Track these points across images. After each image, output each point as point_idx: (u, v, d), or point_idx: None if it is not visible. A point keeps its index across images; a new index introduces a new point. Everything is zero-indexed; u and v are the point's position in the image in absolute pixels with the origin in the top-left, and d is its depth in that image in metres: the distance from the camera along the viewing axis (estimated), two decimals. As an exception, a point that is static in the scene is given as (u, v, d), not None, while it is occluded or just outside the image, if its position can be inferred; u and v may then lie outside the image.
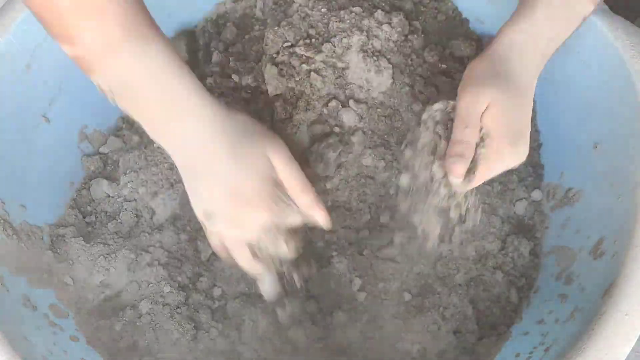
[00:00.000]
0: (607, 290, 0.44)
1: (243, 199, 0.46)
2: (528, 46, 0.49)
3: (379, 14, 0.63)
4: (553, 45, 0.50)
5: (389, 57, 0.63)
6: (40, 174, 0.62)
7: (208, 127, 0.45)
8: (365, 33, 0.63)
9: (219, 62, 0.69)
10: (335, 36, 0.62)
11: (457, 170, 0.48)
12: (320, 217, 0.51)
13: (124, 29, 0.42)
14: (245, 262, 0.50)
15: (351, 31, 0.62)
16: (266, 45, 0.66)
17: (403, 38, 0.65)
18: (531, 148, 0.61)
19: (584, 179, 0.58)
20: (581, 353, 0.41)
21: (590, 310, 0.45)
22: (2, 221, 0.55)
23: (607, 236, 0.50)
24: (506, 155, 0.49)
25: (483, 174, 0.49)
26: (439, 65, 0.65)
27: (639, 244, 0.45)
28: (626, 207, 0.49)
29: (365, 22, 0.63)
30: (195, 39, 0.73)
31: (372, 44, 0.62)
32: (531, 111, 0.49)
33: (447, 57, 0.66)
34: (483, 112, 0.48)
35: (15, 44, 0.57)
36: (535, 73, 0.50)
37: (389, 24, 0.63)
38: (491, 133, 0.48)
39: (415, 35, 0.65)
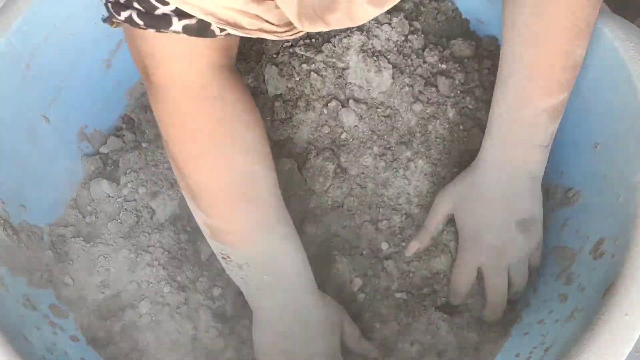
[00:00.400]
0: (607, 290, 0.44)
1: None
2: (496, 160, 0.56)
3: (379, 15, 0.63)
4: (525, 150, 0.55)
5: (388, 57, 0.63)
6: (40, 174, 0.61)
7: (313, 311, 0.54)
8: (365, 33, 0.63)
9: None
10: (335, 36, 0.63)
11: (411, 248, 0.59)
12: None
13: (279, 216, 0.52)
14: None
15: (351, 31, 0.62)
16: (266, 45, 0.66)
17: (403, 38, 0.65)
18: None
19: (584, 179, 0.58)
20: (581, 353, 0.41)
21: (590, 310, 0.45)
22: (2, 221, 0.55)
23: (607, 236, 0.50)
24: (465, 248, 0.58)
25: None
26: (439, 65, 0.65)
27: (639, 243, 0.45)
28: (626, 207, 0.49)
29: (366, 23, 0.63)
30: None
31: (372, 43, 0.62)
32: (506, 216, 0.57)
33: (447, 58, 0.66)
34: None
35: (15, 44, 0.57)
36: (495, 178, 0.57)
37: (389, 24, 0.64)
38: (458, 230, 0.59)
39: (415, 36, 0.65)
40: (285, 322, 0.53)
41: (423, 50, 0.66)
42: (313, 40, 0.63)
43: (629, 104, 0.52)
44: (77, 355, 0.55)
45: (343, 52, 0.62)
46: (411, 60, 0.64)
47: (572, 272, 0.54)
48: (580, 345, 0.42)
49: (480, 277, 0.58)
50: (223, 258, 0.52)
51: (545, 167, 0.63)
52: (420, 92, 0.64)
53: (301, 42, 0.63)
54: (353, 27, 0.62)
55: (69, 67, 0.63)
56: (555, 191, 0.62)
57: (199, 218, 0.52)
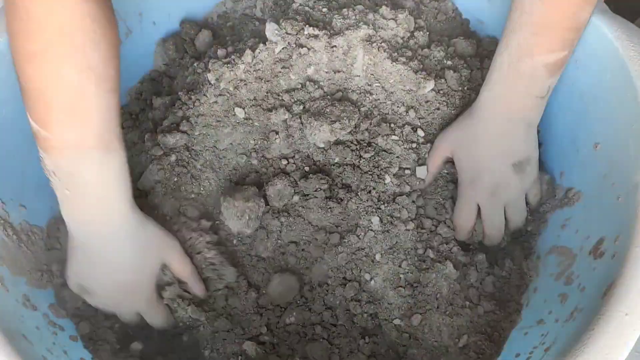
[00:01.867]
0: (607, 290, 0.44)
1: (125, 289, 0.56)
2: (493, 106, 0.59)
3: (384, 9, 0.64)
4: (522, 99, 0.57)
5: (395, 52, 0.63)
6: (41, 174, 0.61)
7: (122, 232, 0.53)
8: (371, 26, 0.63)
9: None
10: (340, 33, 0.62)
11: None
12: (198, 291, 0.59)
13: (98, 139, 0.49)
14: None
15: (357, 26, 0.62)
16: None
17: (409, 35, 0.65)
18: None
19: (584, 179, 0.58)
20: (581, 353, 0.41)
21: (590, 310, 0.45)
22: (2, 221, 0.55)
23: (607, 236, 0.50)
24: (464, 189, 0.62)
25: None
26: (445, 61, 0.66)
27: (639, 244, 0.45)
28: (626, 207, 0.49)
29: (370, 16, 0.63)
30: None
31: (379, 35, 0.63)
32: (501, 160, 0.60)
33: (452, 54, 0.66)
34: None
35: (15, 44, 0.56)
36: (495, 128, 0.59)
37: (394, 20, 0.64)
38: (458, 172, 0.63)
39: (421, 32, 0.65)
40: (86, 245, 0.53)
41: (429, 47, 0.66)
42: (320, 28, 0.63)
43: (629, 104, 0.52)
44: (77, 355, 0.55)
45: (349, 45, 0.62)
46: (418, 55, 0.64)
47: (572, 272, 0.54)
48: (580, 345, 0.42)
49: (479, 214, 0.62)
50: (40, 160, 0.51)
51: (545, 167, 0.64)
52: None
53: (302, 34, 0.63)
54: (359, 22, 0.63)
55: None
56: (555, 191, 0.62)
57: (28, 116, 0.50)
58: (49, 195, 0.61)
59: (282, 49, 0.62)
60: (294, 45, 0.62)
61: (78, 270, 0.55)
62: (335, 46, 0.62)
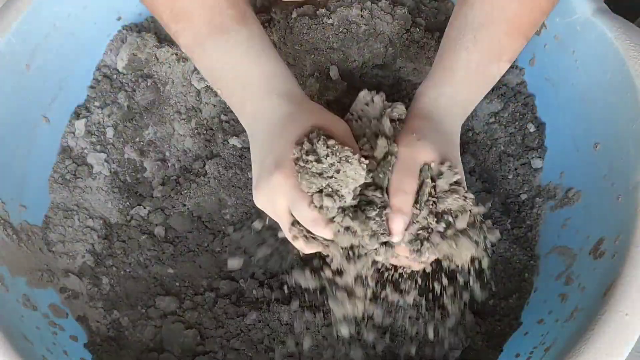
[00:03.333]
0: (607, 291, 0.44)
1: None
2: (451, 108, 0.51)
3: (383, 2, 0.64)
4: (471, 105, 0.53)
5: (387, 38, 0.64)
6: (40, 174, 0.61)
7: (272, 112, 0.48)
8: (367, 11, 0.64)
9: None
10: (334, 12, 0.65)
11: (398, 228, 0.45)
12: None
13: (209, 27, 0.50)
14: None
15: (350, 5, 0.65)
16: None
17: (404, 31, 0.65)
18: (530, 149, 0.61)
19: (584, 179, 0.58)
20: (581, 353, 0.41)
21: (590, 310, 0.45)
22: (2, 221, 0.55)
23: (607, 236, 0.50)
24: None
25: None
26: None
27: (639, 244, 0.45)
28: (626, 207, 0.49)
29: (368, 4, 0.65)
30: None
31: (374, 22, 0.64)
32: (459, 162, 0.50)
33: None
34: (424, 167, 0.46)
35: (15, 44, 0.57)
36: (457, 129, 0.51)
37: (391, 15, 0.64)
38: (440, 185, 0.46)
39: (417, 29, 0.66)
40: (253, 128, 0.50)
41: (422, 40, 0.66)
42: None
43: (629, 104, 0.52)
44: (77, 355, 0.55)
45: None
46: (412, 49, 0.65)
47: (572, 272, 0.54)
48: (580, 345, 0.42)
49: None
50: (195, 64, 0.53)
51: (545, 167, 0.64)
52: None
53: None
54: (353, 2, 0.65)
55: (69, 67, 0.63)
56: (555, 191, 0.62)
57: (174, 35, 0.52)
58: (49, 195, 0.62)
59: None
60: None
61: (257, 162, 0.49)
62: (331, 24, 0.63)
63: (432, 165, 0.46)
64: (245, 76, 0.50)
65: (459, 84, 0.52)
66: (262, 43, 0.51)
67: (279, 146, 0.46)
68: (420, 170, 0.46)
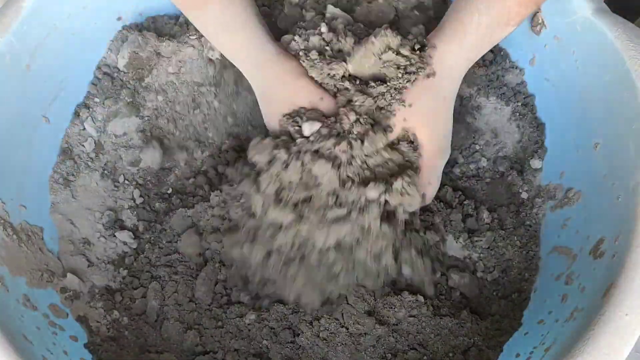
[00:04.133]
0: (607, 291, 0.44)
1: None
2: (453, 67, 0.57)
3: None
4: (470, 64, 0.58)
5: None
6: (40, 174, 0.62)
7: (273, 66, 0.59)
8: None
9: None
10: None
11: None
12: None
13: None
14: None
15: None
16: None
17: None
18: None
19: (584, 179, 0.58)
20: (581, 353, 0.41)
21: (590, 310, 0.45)
22: (2, 221, 0.55)
23: (607, 236, 0.50)
24: (436, 160, 0.59)
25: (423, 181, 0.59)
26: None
27: (639, 244, 0.45)
28: (626, 207, 0.49)
29: None
30: None
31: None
32: (452, 117, 0.59)
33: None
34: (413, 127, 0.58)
35: (15, 44, 0.57)
36: (456, 87, 0.58)
37: None
38: (423, 144, 0.58)
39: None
40: (258, 79, 0.60)
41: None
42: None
43: (629, 104, 0.52)
44: (77, 355, 0.55)
45: None
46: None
47: (572, 272, 0.54)
48: (580, 345, 0.42)
49: None
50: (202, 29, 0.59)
51: (545, 167, 0.64)
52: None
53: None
54: None
55: (70, 68, 0.63)
56: (555, 191, 0.62)
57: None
58: (49, 195, 0.62)
59: None
60: None
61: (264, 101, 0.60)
62: None
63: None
64: (224, 48, 0.60)
65: (467, 46, 0.56)
66: (236, 14, 0.58)
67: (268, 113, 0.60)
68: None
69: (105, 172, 0.65)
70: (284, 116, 0.58)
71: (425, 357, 0.56)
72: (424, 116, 0.57)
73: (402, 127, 0.57)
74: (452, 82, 0.58)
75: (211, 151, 0.67)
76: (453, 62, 0.57)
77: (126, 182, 0.65)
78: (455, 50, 0.56)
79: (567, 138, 0.61)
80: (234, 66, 0.62)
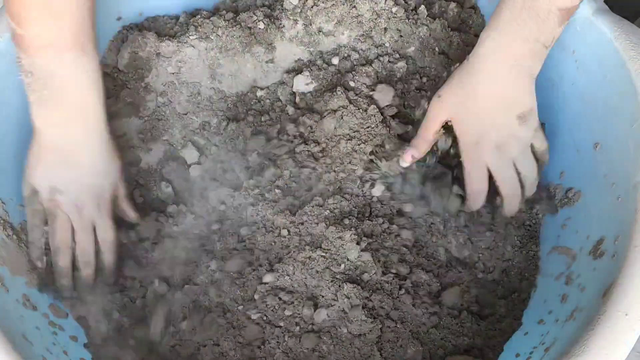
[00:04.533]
0: (607, 290, 0.44)
1: (93, 192, 0.57)
2: (497, 54, 0.55)
3: None
4: (529, 45, 0.54)
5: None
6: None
7: (95, 136, 0.57)
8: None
9: None
10: None
11: (407, 157, 0.61)
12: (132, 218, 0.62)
13: (73, 38, 0.52)
14: None
15: None
16: None
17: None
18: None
19: (584, 179, 0.58)
20: (581, 353, 0.41)
21: (590, 310, 0.45)
22: (2, 221, 0.55)
23: (607, 236, 0.50)
24: (470, 152, 0.59)
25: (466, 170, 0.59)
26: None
27: (639, 244, 0.45)
28: (626, 207, 0.49)
29: None
30: None
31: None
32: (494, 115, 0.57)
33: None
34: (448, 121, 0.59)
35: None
36: (499, 74, 0.56)
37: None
38: (458, 136, 0.59)
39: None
40: (59, 147, 0.55)
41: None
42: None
43: (629, 104, 0.52)
44: (77, 355, 0.55)
45: None
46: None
47: (572, 272, 0.54)
48: (580, 345, 0.42)
49: (490, 176, 0.59)
50: (17, 61, 0.53)
51: (545, 167, 0.64)
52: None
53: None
54: None
55: (69, 67, 0.63)
56: (555, 191, 0.62)
57: (6, 16, 0.52)
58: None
59: None
60: None
61: (49, 172, 0.56)
62: None
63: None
64: (88, 96, 0.55)
65: (505, 25, 0.53)
66: (98, 72, 0.55)
67: (103, 173, 0.58)
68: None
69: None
70: None
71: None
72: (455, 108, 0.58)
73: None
74: (490, 71, 0.55)
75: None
76: (489, 48, 0.55)
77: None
78: (492, 35, 0.54)
79: (567, 138, 0.61)
80: None
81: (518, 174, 0.59)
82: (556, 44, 0.61)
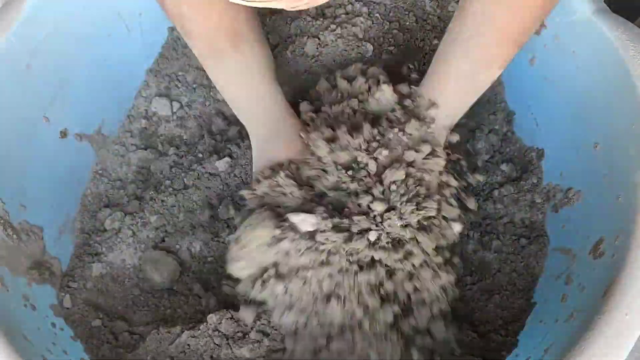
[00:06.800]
0: (607, 290, 0.44)
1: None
2: (438, 118, 0.57)
3: None
4: (459, 112, 0.58)
5: None
6: (40, 174, 0.61)
7: (269, 127, 0.61)
8: None
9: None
10: None
11: None
12: None
13: (208, 50, 0.56)
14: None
15: None
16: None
17: None
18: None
19: (584, 179, 0.58)
20: (581, 353, 0.41)
21: (590, 310, 0.45)
22: (2, 221, 0.55)
23: (607, 236, 0.50)
24: None
25: None
26: None
27: (639, 244, 0.45)
28: (626, 207, 0.49)
29: None
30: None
31: None
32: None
33: None
34: None
35: (15, 44, 0.57)
36: (444, 132, 0.58)
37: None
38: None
39: None
40: (259, 136, 0.61)
41: None
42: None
43: (629, 104, 0.52)
44: (77, 355, 0.55)
45: None
46: None
47: (572, 272, 0.54)
48: (580, 345, 0.42)
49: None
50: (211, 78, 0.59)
51: (545, 167, 0.64)
52: None
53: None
54: None
55: (69, 67, 0.63)
56: (555, 191, 0.62)
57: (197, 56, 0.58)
58: (49, 195, 0.62)
59: None
60: None
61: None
62: None
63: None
64: (233, 99, 0.60)
65: (450, 94, 0.56)
66: (251, 68, 0.58)
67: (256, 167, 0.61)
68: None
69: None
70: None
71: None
72: None
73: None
74: (439, 134, 0.57)
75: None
76: (434, 114, 0.57)
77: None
78: (439, 102, 0.57)
79: (567, 138, 0.61)
80: None
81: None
82: (556, 44, 0.61)
